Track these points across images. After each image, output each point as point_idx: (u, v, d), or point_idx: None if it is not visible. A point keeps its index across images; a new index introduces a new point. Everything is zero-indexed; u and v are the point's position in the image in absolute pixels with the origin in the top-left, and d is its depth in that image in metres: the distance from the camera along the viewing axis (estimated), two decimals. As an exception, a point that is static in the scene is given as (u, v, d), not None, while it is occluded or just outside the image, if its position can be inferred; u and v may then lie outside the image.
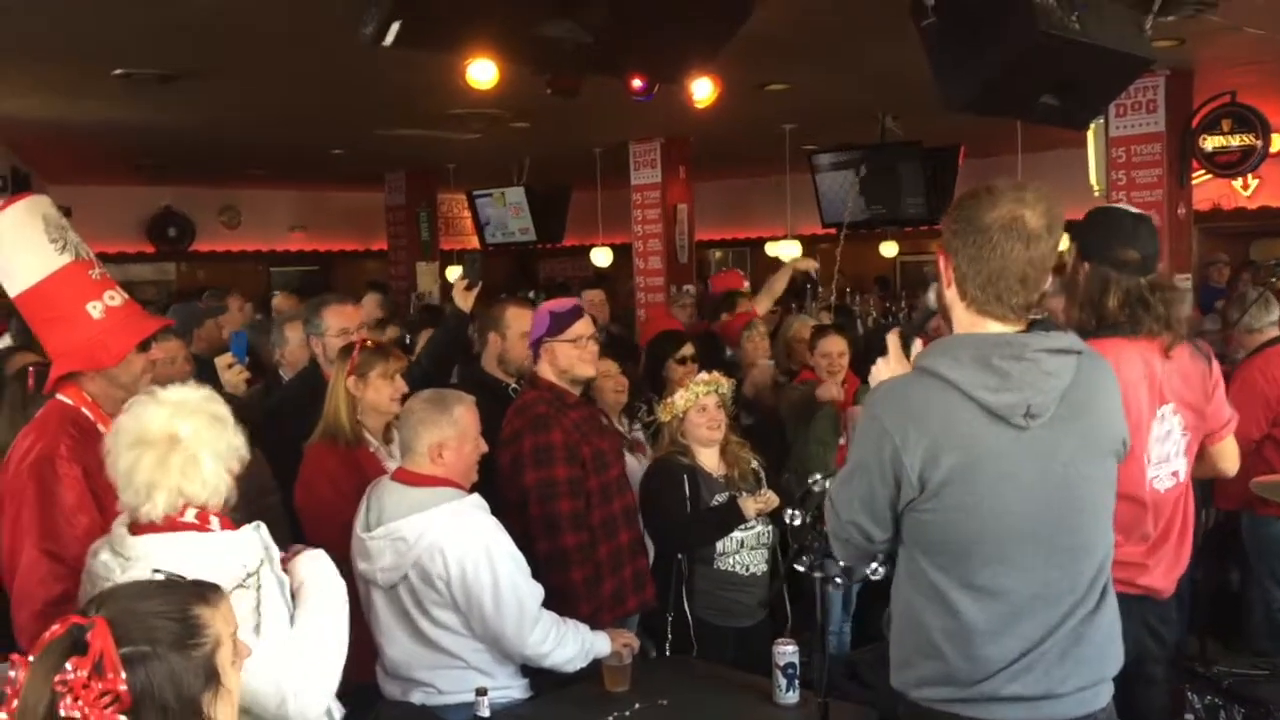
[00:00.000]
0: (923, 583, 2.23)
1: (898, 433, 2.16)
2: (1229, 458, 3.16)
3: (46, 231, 2.92)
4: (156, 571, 1.83)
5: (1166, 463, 2.95)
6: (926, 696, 2.24)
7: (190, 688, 1.55)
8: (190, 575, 2.07)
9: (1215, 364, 3.11)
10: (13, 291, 2.96)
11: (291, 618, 2.43)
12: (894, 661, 2.32)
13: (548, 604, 3.18)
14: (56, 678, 1.47)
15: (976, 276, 2.18)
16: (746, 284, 7.46)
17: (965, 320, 2.25)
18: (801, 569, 3.03)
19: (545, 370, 3.71)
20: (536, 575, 3.19)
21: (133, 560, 2.31)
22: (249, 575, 2.30)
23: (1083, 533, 2.24)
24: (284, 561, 2.51)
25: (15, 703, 1.49)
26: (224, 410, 2.47)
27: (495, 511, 3.19)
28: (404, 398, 3.56)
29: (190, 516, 2.36)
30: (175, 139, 9.75)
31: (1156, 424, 2.91)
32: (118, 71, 6.65)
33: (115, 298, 2.98)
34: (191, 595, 1.66)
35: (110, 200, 12.84)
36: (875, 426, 2.21)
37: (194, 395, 2.45)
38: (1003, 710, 2.18)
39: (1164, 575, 2.96)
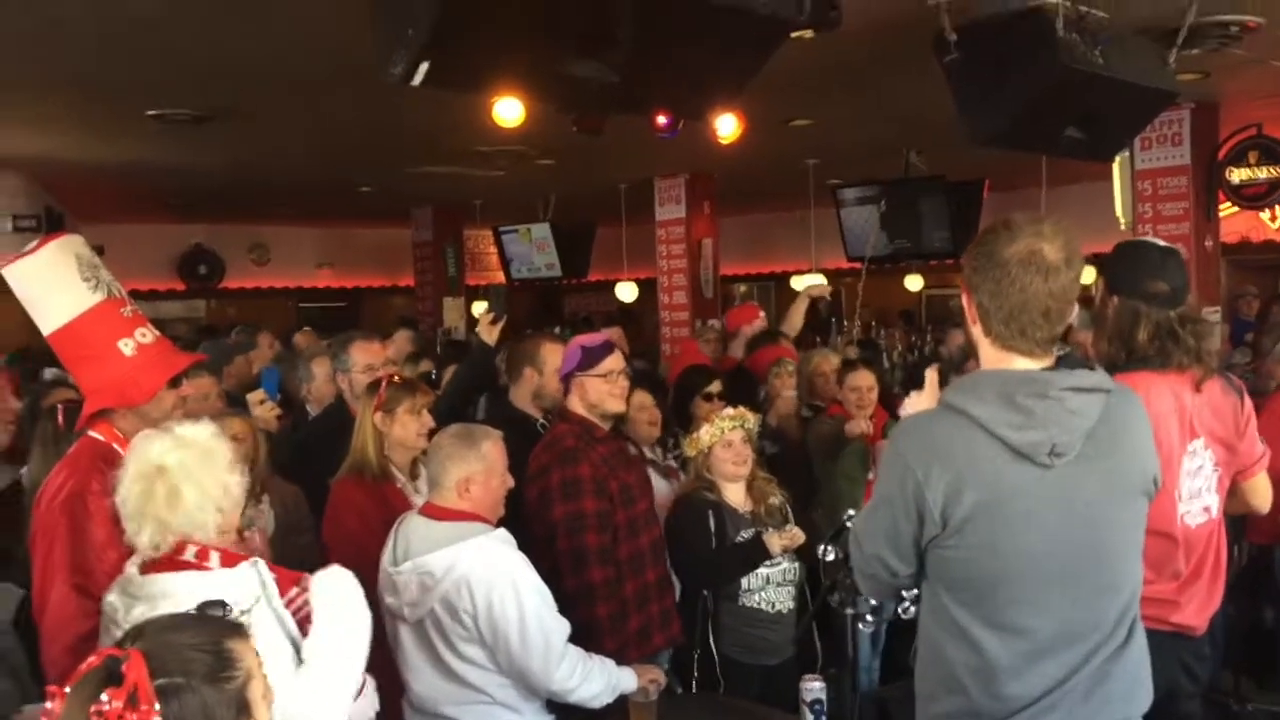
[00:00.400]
0: (945, 619, 2.22)
1: (920, 468, 2.16)
2: (1261, 494, 3.12)
3: (79, 270, 2.96)
4: (219, 606, 1.85)
5: (1198, 498, 2.92)
6: None
7: (223, 717, 1.57)
8: None
9: (1247, 399, 3.08)
10: (46, 330, 3.00)
11: (297, 652, 2.45)
12: (919, 695, 2.31)
13: (573, 640, 3.17)
14: (92, 708, 1.49)
15: (999, 311, 2.17)
16: (762, 315, 7.47)
17: (991, 356, 2.24)
18: (834, 604, 3.01)
19: (575, 404, 3.72)
20: (563, 610, 3.19)
21: (137, 600, 2.37)
22: (241, 614, 2.30)
23: (1109, 572, 2.21)
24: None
25: None
26: (222, 446, 2.50)
27: (522, 547, 3.19)
28: (431, 433, 3.59)
29: (190, 554, 2.41)
30: (206, 178, 9.89)
31: (1187, 459, 2.88)
32: (151, 112, 6.76)
33: (147, 335, 3.02)
34: (225, 628, 1.69)
35: (142, 238, 13.03)
36: (899, 462, 2.21)
37: (198, 431, 2.49)
38: None
39: (1196, 613, 2.93)
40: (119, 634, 2.32)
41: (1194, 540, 2.92)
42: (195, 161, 8.80)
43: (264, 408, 4.52)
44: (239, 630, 1.69)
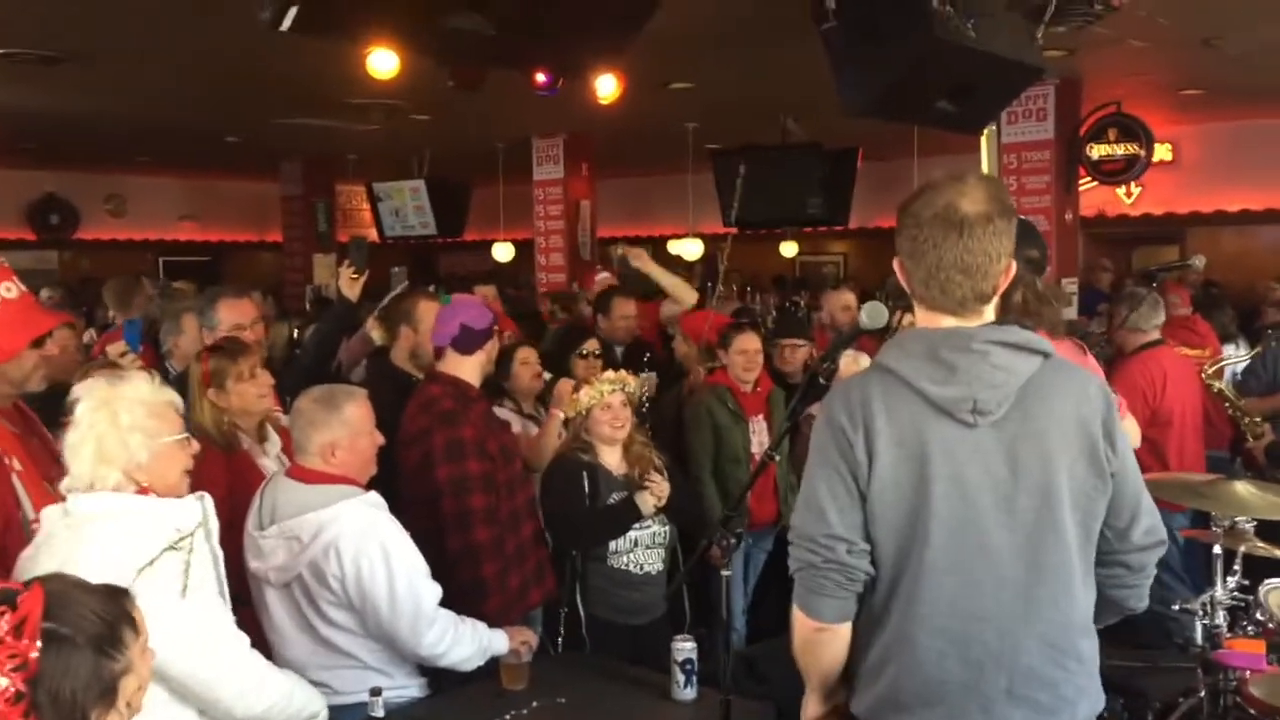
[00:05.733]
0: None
1: (847, 422, 2.07)
2: (1134, 437, 3.22)
3: None
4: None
5: None
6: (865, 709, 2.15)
7: (88, 690, 1.53)
8: (127, 531, 2.28)
9: (1090, 356, 3.26)
10: None
11: (223, 592, 2.52)
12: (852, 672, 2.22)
13: (459, 600, 3.14)
14: None
15: (917, 271, 2.09)
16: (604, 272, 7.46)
17: (922, 319, 2.16)
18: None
19: (458, 365, 3.66)
20: (448, 572, 3.14)
21: (70, 514, 2.38)
22: (181, 538, 2.36)
23: (1032, 549, 2.06)
24: None
25: None
26: (128, 410, 2.44)
27: (394, 508, 3.14)
28: (276, 389, 3.51)
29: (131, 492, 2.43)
30: (60, 123, 9.42)
31: None
32: (-2, 51, 6.39)
33: (11, 289, 2.85)
34: (126, 614, 1.64)
35: (-13, 184, 12.37)
36: (827, 424, 2.11)
37: (135, 388, 2.49)
38: None
39: None
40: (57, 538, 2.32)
41: None
42: (47, 105, 8.37)
43: (126, 360, 4.31)
44: (136, 625, 1.65)
